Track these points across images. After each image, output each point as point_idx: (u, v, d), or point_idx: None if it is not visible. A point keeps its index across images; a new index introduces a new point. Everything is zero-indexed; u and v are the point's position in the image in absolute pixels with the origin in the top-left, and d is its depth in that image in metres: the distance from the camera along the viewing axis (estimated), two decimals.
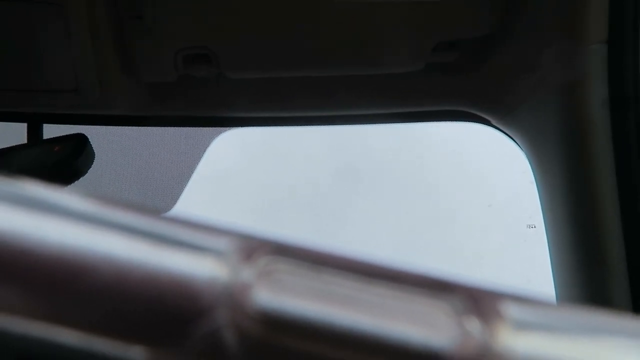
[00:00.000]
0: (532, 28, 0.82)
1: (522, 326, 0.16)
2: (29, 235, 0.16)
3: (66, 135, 0.82)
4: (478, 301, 0.16)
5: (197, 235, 0.17)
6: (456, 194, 2.04)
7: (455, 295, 0.16)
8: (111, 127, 1.02)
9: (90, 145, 0.79)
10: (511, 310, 0.16)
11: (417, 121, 0.98)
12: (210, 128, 1.19)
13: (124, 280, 0.15)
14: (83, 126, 0.93)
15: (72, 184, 0.81)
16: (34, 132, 0.91)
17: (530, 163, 0.89)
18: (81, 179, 0.81)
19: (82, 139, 0.80)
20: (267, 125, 0.99)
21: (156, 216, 0.17)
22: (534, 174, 0.88)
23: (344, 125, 0.99)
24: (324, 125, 0.98)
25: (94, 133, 0.88)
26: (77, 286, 0.15)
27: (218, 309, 0.15)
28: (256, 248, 0.16)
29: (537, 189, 0.88)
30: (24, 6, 0.79)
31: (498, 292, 0.17)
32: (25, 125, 0.93)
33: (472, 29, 0.84)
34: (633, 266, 0.76)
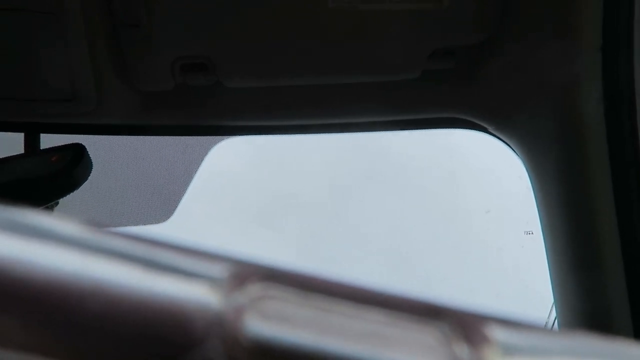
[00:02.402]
0: (527, 35, 0.83)
1: (510, 350, 0.16)
2: (20, 263, 0.16)
3: (64, 145, 0.82)
4: (466, 326, 0.17)
5: (190, 261, 0.17)
6: (454, 200, 2.04)
7: (445, 321, 0.17)
8: (109, 136, 1.02)
9: (88, 155, 0.79)
10: (499, 335, 0.17)
11: (414, 129, 0.98)
12: (209, 136, 1.19)
13: (115, 309, 0.15)
14: (80, 135, 0.93)
15: (70, 194, 0.81)
16: (32, 142, 0.91)
17: (526, 169, 0.89)
18: (79, 188, 0.81)
19: (79, 149, 0.80)
20: (264, 134, 0.99)
21: (149, 242, 0.17)
22: (530, 181, 0.89)
23: (341, 134, 0.99)
24: (322, 133, 0.98)
25: (92, 142, 0.88)
26: (68, 315, 0.15)
27: (210, 338, 0.15)
28: (248, 274, 0.16)
29: (534, 196, 0.88)
30: (21, 16, 0.79)
31: (486, 316, 0.17)
32: (22, 135, 0.93)
33: (468, 36, 0.84)
34: (630, 271, 0.76)
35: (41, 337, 0.15)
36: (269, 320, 0.16)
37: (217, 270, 0.16)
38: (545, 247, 0.87)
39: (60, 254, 0.16)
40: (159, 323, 0.15)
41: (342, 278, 0.17)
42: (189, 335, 0.15)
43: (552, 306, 0.87)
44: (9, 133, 0.93)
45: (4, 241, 0.16)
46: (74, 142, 0.83)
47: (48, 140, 0.92)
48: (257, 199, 2.04)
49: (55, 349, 0.15)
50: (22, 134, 0.93)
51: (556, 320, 0.87)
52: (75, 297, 0.15)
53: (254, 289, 0.16)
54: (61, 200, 0.84)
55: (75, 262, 0.16)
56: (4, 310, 0.15)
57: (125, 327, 0.15)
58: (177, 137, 1.15)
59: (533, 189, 0.88)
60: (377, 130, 0.97)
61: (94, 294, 0.15)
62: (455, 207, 2.06)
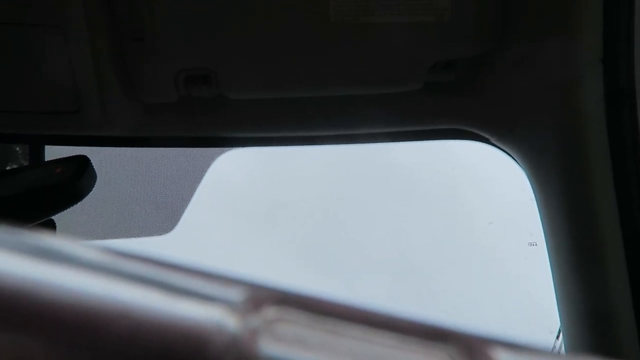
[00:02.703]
0: (527, 46, 0.83)
1: None
2: (45, 287, 0.16)
3: (68, 157, 0.82)
4: (473, 349, 0.17)
5: (207, 285, 0.17)
6: (457, 211, 2.04)
7: (452, 344, 0.17)
8: (113, 147, 1.03)
9: (92, 166, 0.80)
10: (505, 358, 0.17)
11: (416, 140, 0.98)
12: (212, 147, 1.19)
13: (137, 332, 0.16)
14: (84, 147, 0.93)
15: (75, 206, 0.81)
16: (36, 154, 0.91)
17: (529, 180, 0.89)
18: (83, 200, 0.82)
19: (83, 161, 0.80)
20: (267, 145, 0.99)
21: (169, 266, 0.17)
22: (533, 191, 0.89)
23: (343, 145, 0.99)
24: (324, 145, 0.98)
25: (96, 153, 0.89)
26: (93, 338, 0.16)
27: (226, 358, 0.16)
28: (263, 298, 0.17)
29: (537, 206, 0.88)
30: (27, 30, 0.80)
31: (492, 339, 0.18)
32: (27, 146, 0.93)
33: (469, 48, 0.85)
34: (635, 282, 0.75)
35: (68, 358, 0.16)
36: (282, 342, 0.16)
37: (233, 294, 0.17)
38: (549, 258, 0.87)
39: (84, 278, 0.17)
40: (178, 345, 0.16)
41: (352, 301, 0.18)
42: (206, 356, 0.16)
43: (557, 324, 0.86)
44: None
45: (30, 266, 0.16)
46: (78, 153, 0.84)
47: (52, 152, 0.93)
48: (261, 209, 2.04)
49: None
50: (27, 146, 0.93)
51: (561, 334, 0.87)
52: (100, 321, 0.16)
53: (269, 313, 0.17)
54: (64, 212, 0.84)
55: (99, 286, 0.16)
56: (31, 334, 0.16)
57: (146, 349, 0.16)
58: (180, 148, 1.15)
59: (536, 200, 0.88)
60: (380, 142, 0.98)
61: (118, 318, 0.16)
62: (458, 218, 2.06)
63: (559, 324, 0.86)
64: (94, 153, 0.87)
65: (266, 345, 0.16)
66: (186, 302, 0.17)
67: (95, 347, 0.16)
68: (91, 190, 0.81)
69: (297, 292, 0.17)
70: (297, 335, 0.16)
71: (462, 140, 0.96)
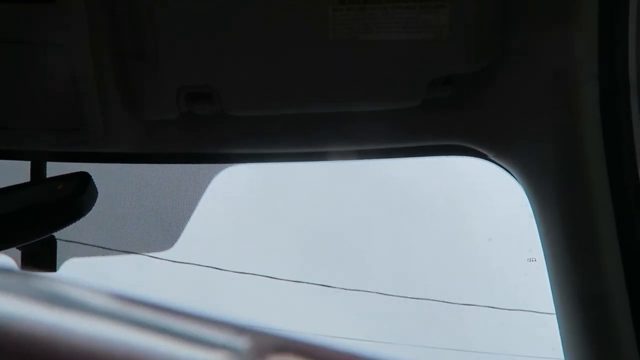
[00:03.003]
0: (524, 63, 0.84)
1: None
2: (54, 332, 0.16)
3: (69, 174, 0.83)
4: None
5: (213, 332, 0.18)
6: (456, 228, 2.04)
7: None
8: (114, 164, 1.03)
9: (93, 183, 0.80)
10: None
11: (414, 156, 0.99)
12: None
13: None
14: (86, 164, 0.94)
15: (75, 222, 0.82)
16: (38, 170, 0.92)
17: (527, 196, 0.89)
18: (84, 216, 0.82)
19: (84, 177, 0.80)
20: (267, 162, 1.00)
21: (176, 312, 0.18)
22: (531, 207, 0.89)
23: (343, 161, 1.00)
24: (324, 161, 0.99)
25: (97, 169, 0.89)
26: None
27: None
28: (268, 346, 0.17)
29: (536, 222, 0.88)
30: (30, 47, 0.81)
31: None
32: (28, 163, 0.94)
33: (467, 65, 0.86)
34: (634, 298, 0.75)
35: None
36: None
37: (238, 341, 0.17)
38: (548, 273, 0.87)
39: (91, 323, 0.17)
40: None
41: (355, 349, 0.18)
42: None
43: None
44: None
45: (41, 312, 0.17)
46: (80, 170, 0.84)
47: (54, 169, 0.93)
48: (261, 226, 2.04)
49: None
50: (29, 162, 0.94)
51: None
52: None
53: None
54: (64, 229, 0.84)
55: (105, 331, 0.17)
56: None
57: None
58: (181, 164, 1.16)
59: (534, 216, 0.88)
60: (379, 158, 0.98)
61: None
62: (457, 234, 2.06)
63: (560, 339, 0.86)
64: (94, 169, 0.88)
65: None
66: (191, 349, 0.17)
67: None
68: (92, 207, 0.81)
69: (300, 340, 0.18)
70: None
71: (460, 156, 0.96)
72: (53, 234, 0.86)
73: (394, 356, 0.18)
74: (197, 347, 0.17)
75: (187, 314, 0.18)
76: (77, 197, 0.79)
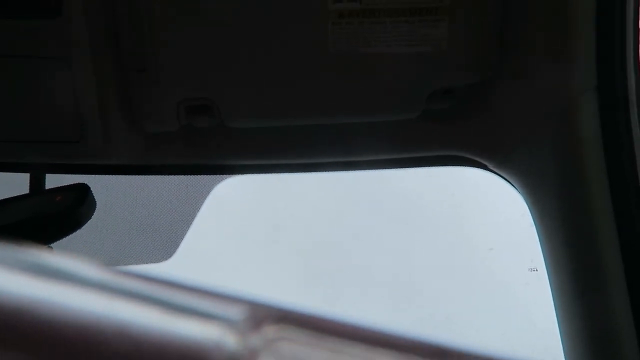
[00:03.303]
0: (523, 73, 0.84)
1: None
2: (44, 305, 0.16)
3: (68, 185, 0.82)
4: None
5: (208, 303, 0.17)
6: (457, 238, 2.03)
7: None
8: (113, 175, 1.03)
9: (92, 194, 0.80)
10: None
11: (414, 167, 0.99)
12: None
13: (138, 350, 0.16)
14: (85, 175, 0.94)
15: (74, 233, 0.81)
16: (37, 182, 0.92)
17: (528, 206, 0.89)
18: (83, 227, 0.82)
19: (83, 189, 0.80)
20: (267, 172, 1.00)
21: (168, 284, 0.17)
22: (532, 217, 0.89)
23: (343, 172, 1.00)
24: (323, 172, 0.98)
25: (96, 181, 0.89)
26: (93, 355, 0.16)
27: None
28: (264, 317, 0.17)
29: (537, 232, 0.88)
30: (31, 61, 0.81)
31: (492, 358, 0.17)
32: (27, 175, 0.93)
33: (467, 76, 0.86)
34: (636, 305, 0.75)
35: None
36: None
37: (234, 312, 0.17)
38: (549, 282, 0.87)
39: (83, 296, 0.16)
40: None
41: (353, 320, 0.18)
42: None
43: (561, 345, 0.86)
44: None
45: (29, 284, 0.16)
46: (79, 181, 0.84)
47: (53, 180, 0.93)
48: (261, 235, 2.03)
49: None
50: (28, 175, 0.94)
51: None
52: (98, 339, 0.16)
53: (269, 331, 0.17)
54: (61, 240, 0.84)
55: (98, 304, 0.16)
56: (29, 352, 0.15)
57: None
58: (180, 175, 1.16)
59: (535, 226, 0.88)
60: (379, 169, 0.98)
61: (117, 335, 0.16)
62: (458, 244, 2.05)
63: (562, 350, 0.86)
64: (93, 180, 0.88)
65: None
66: (185, 321, 0.16)
67: None
68: (90, 218, 0.81)
69: (298, 311, 0.17)
70: (297, 354, 0.16)
71: (460, 167, 0.96)
72: (51, 245, 0.86)
73: (396, 328, 0.17)
74: (190, 319, 0.16)
75: (180, 285, 0.17)
76: (76, 208, 0.79)
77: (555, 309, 0.86)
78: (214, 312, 0.17)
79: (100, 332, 0.16)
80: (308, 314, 0.17)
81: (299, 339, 0.17)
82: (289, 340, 0.17)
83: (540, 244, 0.88)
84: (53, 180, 0.92)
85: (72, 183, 0.84)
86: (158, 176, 1.28)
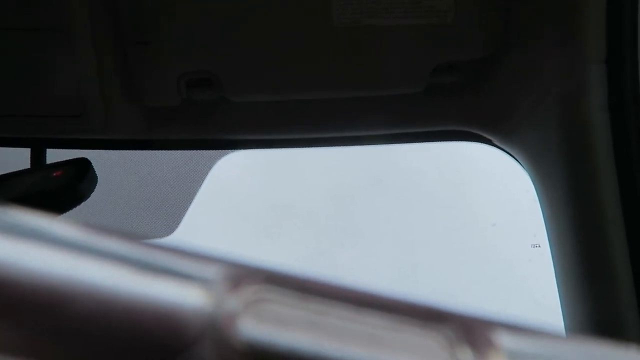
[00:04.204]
0: (531, 46, 0.83)
1: (516, 356, 0.16)
2: (7, 264, 0.15)
3: (69, 160, 0.82)
4: (471, 331, 0.16)
5: (184, 263, 0.16)
6: (460, 213, 2.03)
7: (448, 325, 0.16)
8: (114, 150, 1.03)
9: (93, 169, 0.80)
10: (505, 340, 0.16)
11: (418, 141, 0.98)
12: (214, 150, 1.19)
13: (107, 311, 0.15)
14: (86, 150, 0.93)
15: (75, 208, 0.81)
16: (38, 157, 0.91)
17: (532, 181, 0.89)
18: (84, 203, 0.81)
19: (85, 164, 0.80)
20: (269, 148, 0.99)
21: (143, 243, 0.16)
22: (536, 192, 0.88)
23: (347, 147, 0.99)
24: (327, 146, 0.98)
25: (97, 156, 0.88)
26: (58, 317, 0.15)
27: (203, 342, 0.15)
28: (244, 277, 0.16)
29: (540, 208, 0.88)
30: (30, 34, 0.80)
31: (492, 321, 0.16)
32: (29, 150, 0.93)
33: (472, 50, 0.85)
34: None
35: (30, 340, 0.15)
36: (263, 323, 0.15)
37: (212, 272, 0.16)
38: (553, 259, 0.86)
39: (49, 254, 0.15)
40: (151, 325, 0.15)
41: (340, 281, 0.17)
42: (182, 338, 0.15)
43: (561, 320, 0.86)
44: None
45: None
46: (80, 156, 0.83)
47: (54, 155, 0.92)
48: (263, 212, 2.04)
49: (45, 353, 0.15)
50: (29, 149, 0.93)
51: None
52: (64, 300, 0.15)
53: (249, 292, 0.16)
54: (62, 215, 0.84)
55: (64, 263, 0.15)
56: None
57: (116, 329, 0.15)
58: (181, 150, 1.15)
59: (539, 201, 0.88)
60: (382, 144, 0.97)
61: (84, 296, 0.15)
62: (461, 219, 2.06)
63: (563, 327, 0.86)
64: (94, 156, 0.87)
65: (246, 326, 0.15)
66: (161, 281, 0.15)
67: (59, 326, 0.15)
68: (92, 193, 0.81)
69: (280, 271, 0.16)
70: (279, 315, 0.15)
71: (465, 142, 0.95)
72: None
73: (384, 290, 0.16)
74: (164, 279, 0.16)
75: (155, 245, 0.17)
76: (77, 183, 0.78)
77: (558, 285, 0.86)
78: (190, 272, 0.16)
79: (64, 292, 0.15)
80: (291, 274, 0.16)
81: (281, 300, 0.16)
82: (271, 302, 0.16)
83: (544, 219, 0.87)
84: (54, 155, 0.92)
85: (72, 158, 0.83)
86: (159, 152, 1.27)
